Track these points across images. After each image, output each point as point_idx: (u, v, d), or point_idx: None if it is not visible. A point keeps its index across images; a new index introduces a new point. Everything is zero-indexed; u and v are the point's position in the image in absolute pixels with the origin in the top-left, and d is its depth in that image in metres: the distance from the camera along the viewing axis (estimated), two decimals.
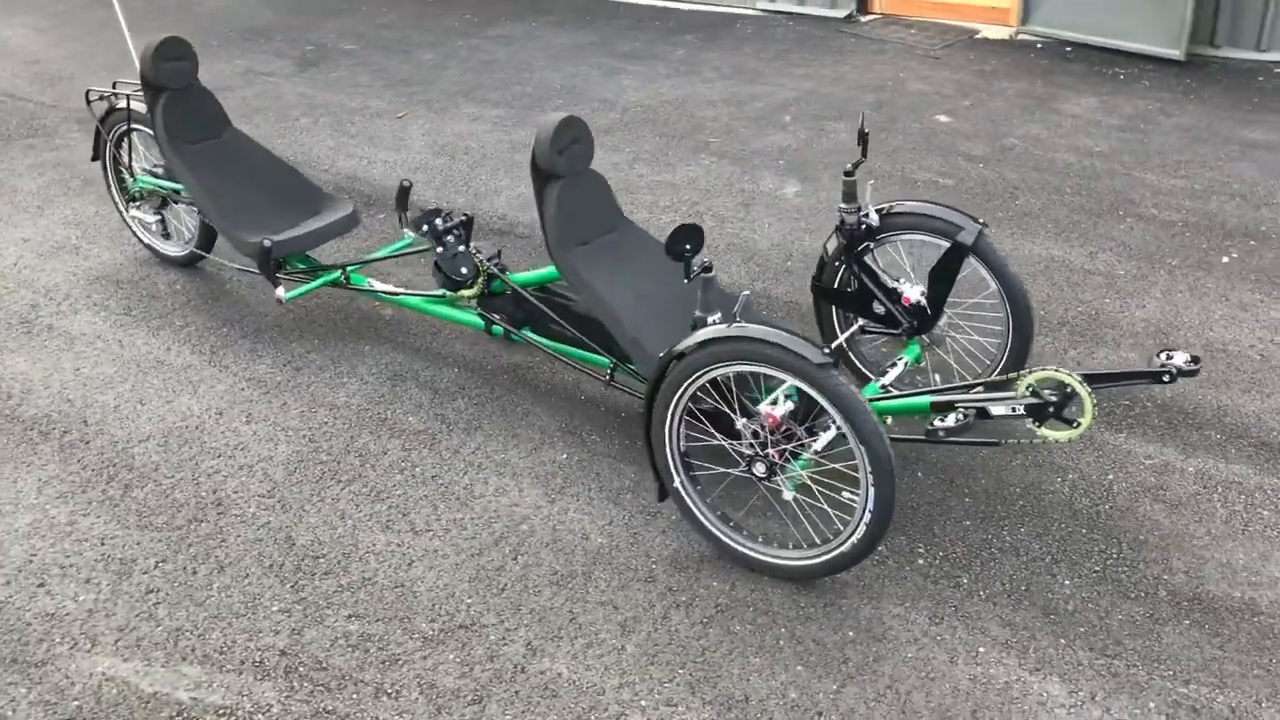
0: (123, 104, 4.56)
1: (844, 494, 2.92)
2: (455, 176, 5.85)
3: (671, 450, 3.07)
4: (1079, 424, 2.89)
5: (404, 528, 3.30)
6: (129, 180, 4.75)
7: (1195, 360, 2.91)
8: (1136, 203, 5.24)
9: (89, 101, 4.69)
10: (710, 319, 3.01)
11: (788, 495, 3.03)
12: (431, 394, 3.95)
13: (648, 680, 2.77)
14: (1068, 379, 2.87)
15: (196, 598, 3.07)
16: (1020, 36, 7.78)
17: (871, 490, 2.77)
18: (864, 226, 3.50)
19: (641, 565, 3.14)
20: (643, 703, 2.71)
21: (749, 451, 2.96)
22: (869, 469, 2.75)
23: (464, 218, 3.84)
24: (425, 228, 3.76)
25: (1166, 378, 2.89)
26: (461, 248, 3.79)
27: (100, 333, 4.41)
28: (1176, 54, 7.04)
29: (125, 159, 4.70)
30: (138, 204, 4.82)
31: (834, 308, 3.79)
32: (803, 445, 2.93)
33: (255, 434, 3.75)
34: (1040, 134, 6.11)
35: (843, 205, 3.53)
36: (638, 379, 3.49)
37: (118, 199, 4.92)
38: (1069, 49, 7.51)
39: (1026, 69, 7.18)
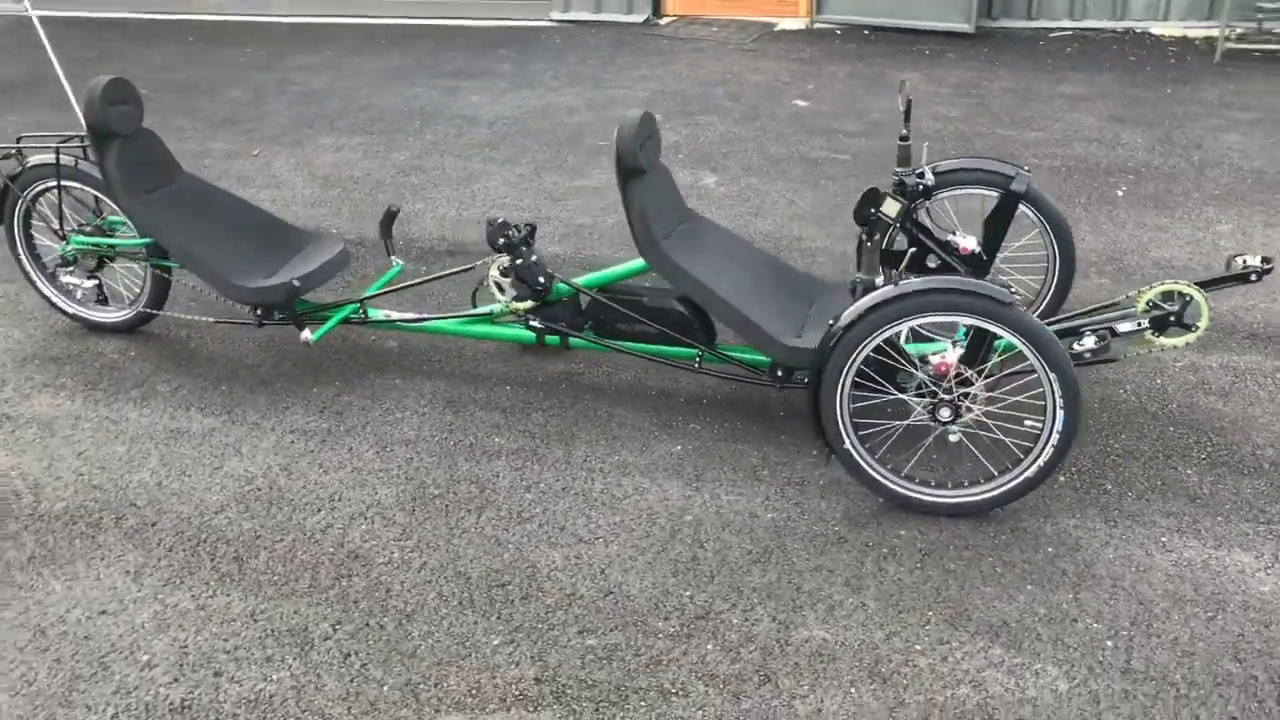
0: (40, 159, 4.10)
1: (1026, 422, 3.14)
2: (362, 206, 5.63)
3: (842, 413, 3.18)
4: (1197, 327, 3.26)
5: (570, 540, 3.22)
6: (59, 244, 4.25)
7: (1267, 260, 3.35)
8: (1019, 155, 5.82)
9: (6, 157, 4.15)
10: (877, 280, 3.14)
11: (954, 438, 3.21)
12: (501, 413, 3.83)
13: (908, 626, 2.87)
14: (1185, 288, 3.23)
15: (403, 649, 2.88)
16: (816, 25, 8.34)
17: (1060, 414, 3.00)
18: (921, 186, 3.74)
19: (824, 529, 3.23)
20: (918, 646, 2.81)
21: (927, 400, 3.11)
22: (1059, 394, 2.98)
23: (530, 227, 3.77)
24: (502, 240, 3.66)
25: (1254, 277, 3.30)
26: (535, 257, 3.72)
27: (76, 412, 3.94)
28: (967, 27, 7.81)
29: (53, 220, 4.20)
30: (69, 269, 4.32)
31: (881, 267, 3.99)
32: (970, 387, 3.11)
33: (342, 482, 3.52)
34: (893, 107, 6.61)
35: (898, 170, 3.75)
36: (726, 362, 3.60)
37: (30, 268, 4.38)
38: (867, 32, 8.15)
39: (841, 53, 7.73)
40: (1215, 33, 7.57)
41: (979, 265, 3.80)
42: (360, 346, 4.27)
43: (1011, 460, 3.19)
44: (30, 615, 2.99)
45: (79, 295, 4.40)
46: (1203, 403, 3.71)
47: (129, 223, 4.08)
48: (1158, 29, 7.84)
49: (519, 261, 3.66)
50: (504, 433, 3.71)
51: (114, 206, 4.12)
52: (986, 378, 3.11)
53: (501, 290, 3.79)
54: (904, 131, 3.71)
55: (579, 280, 3.78)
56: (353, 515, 3.34)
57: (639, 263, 3.74)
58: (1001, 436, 3.25)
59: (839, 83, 7.17)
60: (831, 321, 3.11)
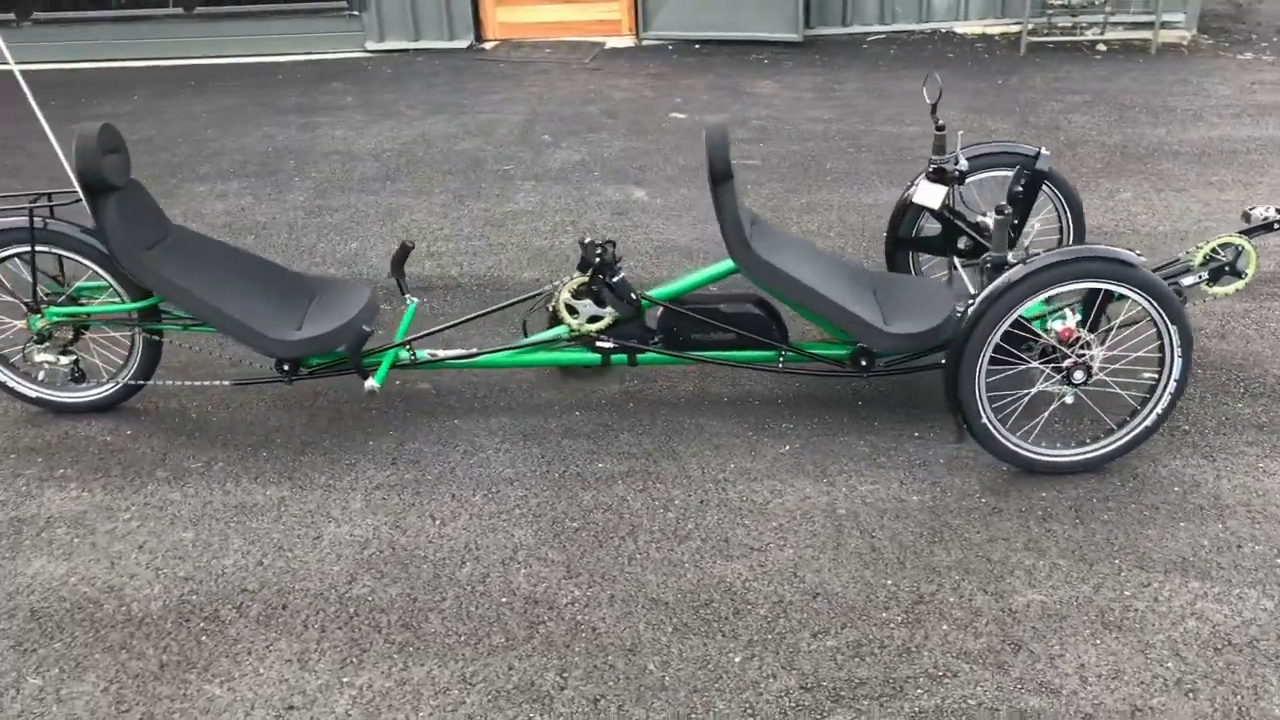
0: (16, 223, 3.61)
1: (1144, 375, 3.40)
2: (291, 251, 5.27)
3: (980, 389, 3.34)
4: (1245, 274, 3.64)
5: (742, 551, 3.20)
6: (29, 318, 3.74)
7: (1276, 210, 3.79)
8: (911, 148, 6.23)
9: None
10: (1011, 255, 3.31)
11: (1070, 400, 3.44)
12: (587, 439, 3.73)
13: (1106, 576, 3.05)
14: (1236, 240, 3.61)
15: (650, 684, 2.77)
16: (645, 42, 8.52)
17: (1179, 362, 3.29)
18: (959, 172, 3.96)
19: (973, 503, 3.37)
20: (1127, 592, 2.99)
21: (1061, 365, 3.30)
22: (1178, 344, 3.27)
23: (610, 243, 3.69)
24: (597, 258, 3.58)
25: (1277, 225, 3.73)
26: (623, 274, 3.65)
27: (104, 504, 3.48)
28: (795, 36, 8.23)
29: (17, 292, 3.71)
30: (43, 346, 3.81)
31: (910, 254, 4.20)
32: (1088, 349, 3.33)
33: (468, 530, 3.32)
34: (767, 113, 6.90)
35: (935, 157, 3.95)
36: (805, 360, 3.67)
37: None
38: (698, 46, 8.41)
39: (687, 67, 7.94)
40: (1014, 29, 8.35)
41: (1010, 243, 4.03)
42: (388, 392, 3.99)
43: (1128, 413, 3.42)
44: None
45: (41, 375, 3.87)
46: (1209, 346, 4.11)
47: (115, 286, 3.66)
48: (961, 28, 8.55)
49: (615, 278, 3.56)
50: (603, 457, 3.60)
51: (91, 271, 3.70)
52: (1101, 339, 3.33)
53: (572, 312, 3.66)
54: (940, 121, 3.89)
55: (653, 293, 3.72)
56: (503, 561, 3.15)
57: (712, 270, 3.73)
58: (1119, 391, 3.48)
59: (702, 94, 7.35)
60: (970, 300, 3.23)
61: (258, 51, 8.34)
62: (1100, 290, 3.23)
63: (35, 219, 3.56)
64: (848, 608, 2.93)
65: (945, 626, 2.86)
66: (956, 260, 4.06)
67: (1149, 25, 7.90)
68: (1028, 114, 6.75)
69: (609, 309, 3.64)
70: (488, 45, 8.68)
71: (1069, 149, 6.17)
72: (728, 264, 3.71)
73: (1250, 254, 3.58)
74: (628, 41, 8.61)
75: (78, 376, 3.79)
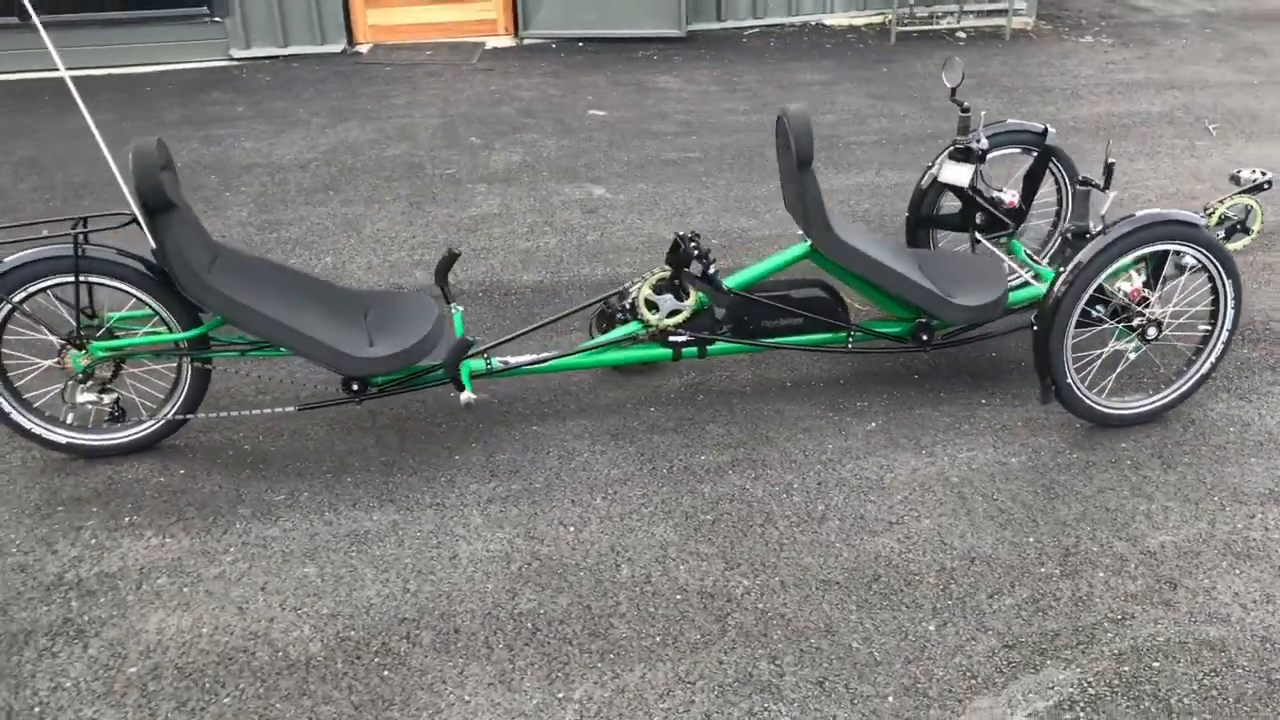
0: (37, 253, 3.30)
1: (1200, 327, 3.72)
2: None
3: (1067, 352, 3.57)
4: (1253, 230, 4.03)
5: (882, 526, 3.30)
6: (71, 355, 3.42)
7: (1264, 172, 4.21)
8: (837, 134, 6.49)
9: None
10: (1092, 225, 3.55)
11: (1132, 355, 3.73)
12: (676, 434, 3.74)
13: (1219, 511, 3.31)
14: (1245, 200, 3.99)
15: (863, 660, 2.83)
16: (526, 42, 8.48)
17: (1231, 313, 3.63)
18: (981, 151, 4.21)
19: (1067, 459, 3.58)
20: (1239, 524, 3.27)
21: (1134, 324, 3.56)
22: (1232, 297, 3.60)
23: (697, 235, 3.72)
24: (696, 251, 3.60)
25: (1267, 185, 4.14)
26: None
27: (198, 549, 3.24)
28: (678, 32, 8.38)
29: (58, 326, 3.39)
30: (85, 385, 3.51)
31: (930, 231, 4.42)
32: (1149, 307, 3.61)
33: (606, 533, 3.28)
34: (682, 108, 7.01)
35: (960, 137, 4.18)
36: (871, 338, 3.83)
37: (3, 397, 3.49)
38: (581, 44, 8.43)
39: (580, 65, 7.94)
40: (877, 19, 8.77)
41: (1019, 217, 4.30)
42: (447, 405, 3.87)
43: (1184, 363, 3.72)
44: None
45: (71, 418, 3.56)
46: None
47: (162, 314, 3.41)
48: (829, 20, 8.90)
49: (713, 271, 3.58)
50: (701, 450, 3.62)
51: (133, 300, 3.43)
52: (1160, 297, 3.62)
53: (652, 308, 3.67)
54: (965, 103, 4.10)
55: (726, 282, 3.76)
56: (657, 559, 3.14)
57: (784, 256, 3.80)
58: (1179, 345, 3.77)
59: (612, 90, 7.38)
60: (1060, 270, 3.44)
61: (111, 63, 7.75)
62: (1164, 251, 3.48)
63: (63, 246, 3.25)
64: (1007, 567, 3.06)
65: (1101, 574, 3.03)
66: (978, 235, 4.27)
67: (1001, 13, 8.47)
68: (927, 98, 7.12)
69: (687, 302, 3.64)
70: (363, 48, 8.39)
71: None
72: (798, 249, 3.78)
73: (1258, 212, 3.94)
74: (508, 41, 8.51)
75: (118, 415, 3.48)
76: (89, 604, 2.96)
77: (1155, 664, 2.73)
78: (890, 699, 2.65)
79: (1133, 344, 3.61)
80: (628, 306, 3.70)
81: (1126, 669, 2.72)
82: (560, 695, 2.67)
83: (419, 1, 8.32)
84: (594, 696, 2.66)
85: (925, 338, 3.82)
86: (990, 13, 8.54)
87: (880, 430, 3.68)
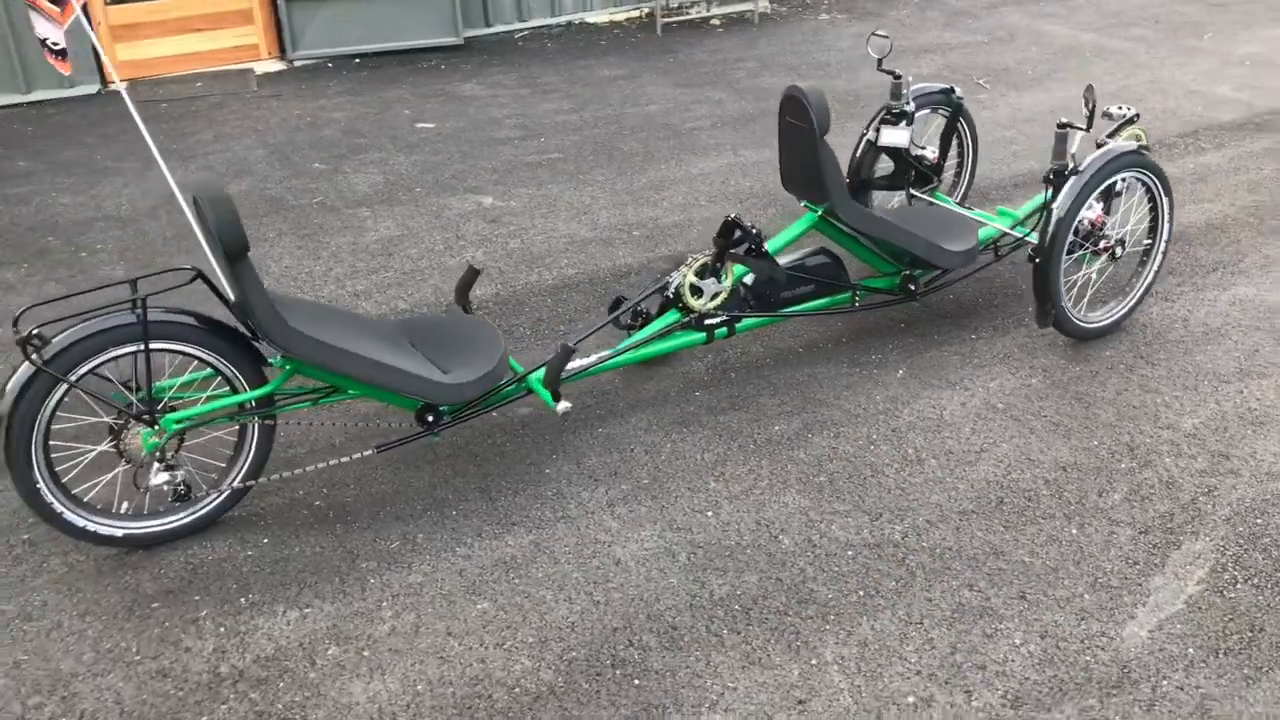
0: (98, 325, 2.96)
1: (1145, 241, 4.34)
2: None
3: (1060, 278, 4.07)
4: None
5: (972, 458, 3.62)
6: (143, 434, 3.08)
7: (1128, 107, 4.91)
8: (671, 123, 6.80)
9: (29, 342, 2.86)
10: (1067, 165, 4.03)
11: (1096, 277, 4.30)
12: (737, 411, 3.87)
13: (1214, 391, 3.90)
14: (1134, 130, 4.64)
15: (1049, 569, 3.15)
16: (298, 63, 8.16)
17: (1168, 226, 4.28)
18: (911, 114, 4.66)
19: (1076, 371, 4.06)
20: (1240, 399, 3.88)
21: (1103, 248, 4.08)
22: (1168, 211, 4.25)
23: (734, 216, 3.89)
24: (755, 231, 3.76)
25: (1135, 117, 4.84)
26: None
27: (349, 612, 3.03)
28: (456, 40, 8.36)
29: (116, 403, 3.06)
30: (162, 463, 3.21)
31: (871, 194, 4.83)
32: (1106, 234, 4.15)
33: (741, 509, 3.39)
34: (505, 112, 7.06)
35: (893, 101, 4.60)
36: (870, 295, 4.12)
37: (53, 495, 3.12)
38: (357, 60, 8.22)
39: (369, 80, 7.72)
40: (634, 14, 9.12)
41: (938, 171, 4.80)
42: (493, 426, 3.81)
43: (1133, 275, 4.31)
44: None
45: (126, 506, 3.25)
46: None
47: (229, 373, 3.16)
48: (591, 18, 9.13)
49: (765, 248, 3.76)
50: (769, 421, 3.79)
51: (195, 363, 3.17)
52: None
53: (697, 293, 3.81)
54: (897, 71, 4.51)
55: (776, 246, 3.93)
56: (803, 525, 3.30)
57: (796, 228, 4.04)
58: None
59: (425, 103, 7.25)
60: (1051, 209, 3.89)
61: None
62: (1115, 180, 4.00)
63: (133, 310, 2.94)
64: (1094, 469, 3.47)
65: (1168, 460, 3.51)
66: (911, 190, 4.69)
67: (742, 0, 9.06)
68: (729, 83, 7.54)
69: (726, 284, 3.79)
70: (119, 87, 7.71)
71: (832, 102, 7.03)
72: (807, 219, 4.02)
73: (1145, 138, 4.60)
74: (277, 65, 8.10)
75: (184, 493, 3.18)
76: (271, 691, 2.71)
77: (1258, 520, 3.20)
78: (1086, 596, 2.94)
79: (1098, 264, 4.11)
80: (670, 295, 3.77)
81: (1240, 529, 3.16)
82: (814, 661, 2.76)
83: (171, 32, 7.74)
84: (845, 655, 2.77)
85: (913, 288, 4.16)
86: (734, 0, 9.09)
87: (910, 376, 3.98)
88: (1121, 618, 2.86)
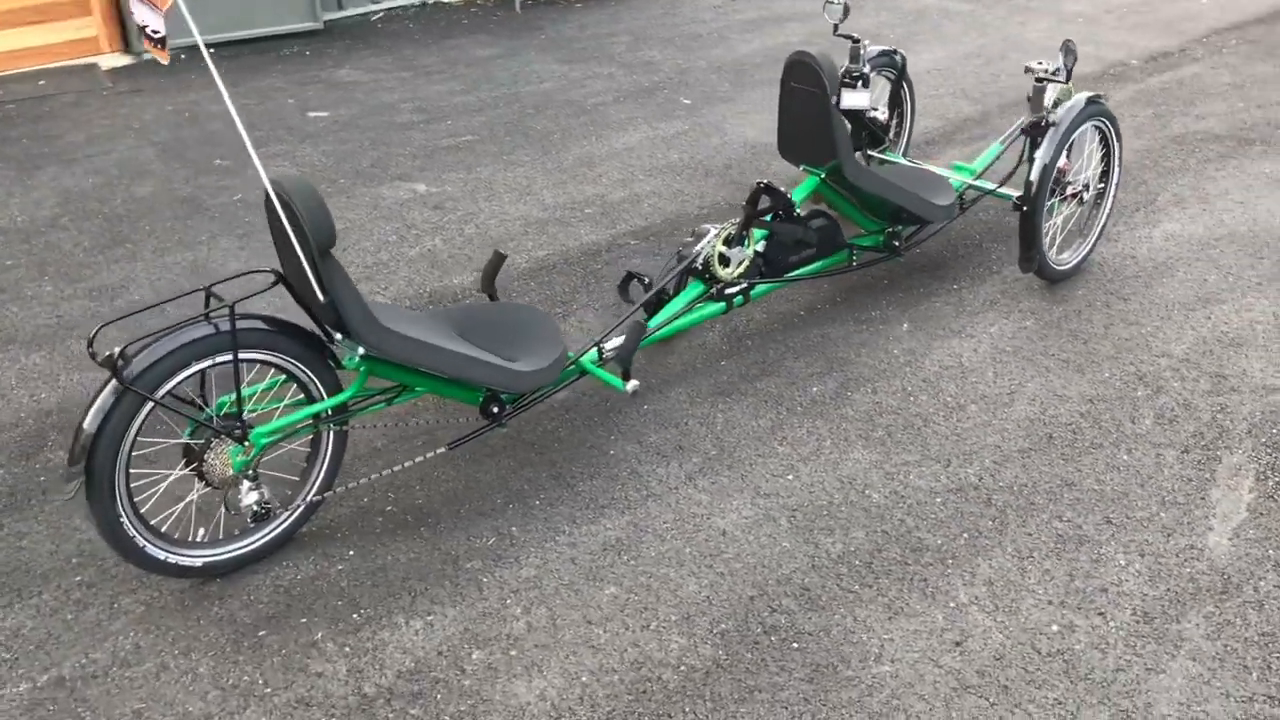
0: (196, 331, 2.74)
1: (1098, 185, 4.67)
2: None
3: (1043, 224, 4.34)
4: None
5: (1008, 399, 3.83)
6: (231, 450, 2.89)
7: (1047, 62, 5.25)
8: (582, 99, 6.80)
9: (117, 364, 2.60)
10: (1044, 117, 4.29)
11: (1061, 223, 4.61)
12: (767, 377, 3.94)
13: (1188, 313, 4.31)
14: (1063, 86, 4.98)
15: (1124, 493, 3.42)
16: (146, 57, 7.67)
17: (1118, 170, 4.64)
18: (867, 76, 4.84)
19: (1060, 311, 4.35)
20: (1215, 316, 4.28)
21: (1069, 194, 4.36)
22: (1118, 155, 4.61)
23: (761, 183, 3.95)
24: (788, 193, 3.83)
25: (1058, 72, 5.19)
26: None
27: (476, 614, 2.89)
28: (316, 24, 8.04)
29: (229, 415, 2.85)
30: (254, 480, 3.03)
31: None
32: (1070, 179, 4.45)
33: (810, 471, 3.50)
34: (399, 97, 6.86)
35: (852, 66, 4.79)
36: (863, 252, 4.27)
37: (134, 526, 2.92)
38: (212, 50, 7.79)
39: (236, 70, 7.31)
40: None
41: (887, 131, 5.02)
42: (540, 411, 3.75)
43: (1088, 219, 4.63)
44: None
45: (203, 533, 3.07)
46: None
47: (308, 380, 3.00)
48: None
49: (798, 215, 3.84)
50: (805, 383, 3.89)
51: (273, 371, 2.99)
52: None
53: (725, 263, 3.88)
54: (855, 36, 4.67)
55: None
56: (884, 478, 3.42)
57: (801, 190, 4.14)
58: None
59: (306, 90, 6.94)
60: (1036, 159, 4.14)
61: None
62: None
63: (216, 318, 2.76)
64: (1118, 399, 3.74)
65: (1176, 384, 3.82)
66: (868, 150, 4.88)
67: None
68: (612, 58, 7.55)
69: (748, 251, 3.86)
70: None
71: (718, 72, 7.14)
72: (809, 182, 4.12)
73: (1073, 94, 4.93)
74: (124, 59, 7.55)
75: (265, 512, 3.01)
76: (431, 705, 2.62)
77: (1273, 430, 3.53)
78: (1162, 515, 3.18)
79: (1067, 209, 4.40)
80: (699, 266, 3.79)
81: (1263, 440, 3.49)
82: (952, 605, 2.88)
83: None
84: (978, 595, 2.91)
85: (896, 244, 4.34)
86: None
87: (914, 328, 4.15)
88: (1201, 530, 3.09)
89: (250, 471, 2.86)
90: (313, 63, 7.38)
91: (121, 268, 4.65)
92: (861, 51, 4.49)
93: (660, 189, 5.36)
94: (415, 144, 5.95)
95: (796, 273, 4.05)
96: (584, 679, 2.65)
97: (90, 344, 2.58)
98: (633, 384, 3.35)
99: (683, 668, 2.68)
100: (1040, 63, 4.71)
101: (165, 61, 2.58)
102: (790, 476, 3.34)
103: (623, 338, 3.44)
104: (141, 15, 2.45)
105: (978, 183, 4.47)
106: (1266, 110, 6.30)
